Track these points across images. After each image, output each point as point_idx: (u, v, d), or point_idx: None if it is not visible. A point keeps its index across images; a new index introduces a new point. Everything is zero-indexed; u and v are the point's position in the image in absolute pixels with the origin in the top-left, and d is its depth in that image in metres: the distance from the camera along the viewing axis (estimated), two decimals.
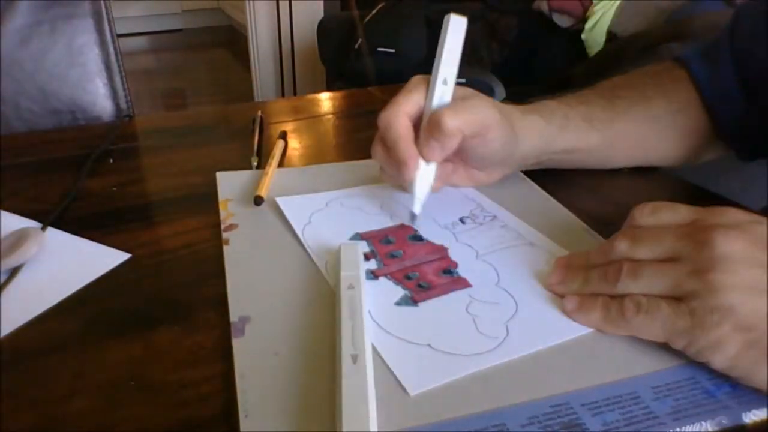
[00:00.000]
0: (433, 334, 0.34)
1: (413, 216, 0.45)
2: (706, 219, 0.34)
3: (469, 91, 0.46)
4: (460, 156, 0.47)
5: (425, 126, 0.44)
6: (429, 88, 0.45)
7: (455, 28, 0.44)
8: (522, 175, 0.52)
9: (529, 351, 0.33)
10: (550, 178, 0.51)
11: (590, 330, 0.34)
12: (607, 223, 0.45)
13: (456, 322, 0.35)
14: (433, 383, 0.31)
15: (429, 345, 0.33)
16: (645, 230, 0.35)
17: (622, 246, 0.35)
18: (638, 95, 0.52)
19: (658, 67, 0.56)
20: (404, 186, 0.47)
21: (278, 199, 0.48)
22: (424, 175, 0.44)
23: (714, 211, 0.34)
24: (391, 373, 0.32)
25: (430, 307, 0.37)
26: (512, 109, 0.48)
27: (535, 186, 0.51)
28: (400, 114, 0.44)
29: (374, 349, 0.33)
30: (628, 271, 0.34)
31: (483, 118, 0.44)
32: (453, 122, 0.42)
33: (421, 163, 0.44)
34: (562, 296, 0.37)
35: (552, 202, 0.49)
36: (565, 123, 0.49)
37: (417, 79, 0.46)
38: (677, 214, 0.35)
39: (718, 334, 0.30)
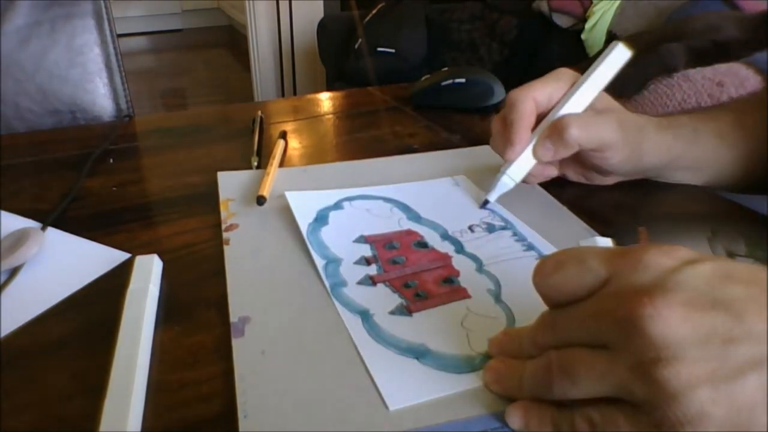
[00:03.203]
0: (424, 347, 0.33)
1: (485, 202, 0.47)
2: (620, 278, 0.26)
3: (610, 102, 0.46)
4: (577, 158, 0.47)
5: (548, 125, 0.45)
6: (569, 89, 0.46)
7: (619, 57, 0.46)
8: (538, 187, 0.50)
9: None
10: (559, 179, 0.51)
11: None
12: (607, 225, 0.46)
13: (449, 336, 0.34)
14: (415, 399, 0.30)
15: (417, 359, 0.33)
16: (559, 315, 0.28)
17: (545, 338, 0.29)
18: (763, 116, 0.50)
19: None
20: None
21: (287, 193, 0.47)
22: (522, 165, 0.46)
23: (630, 260, 0.26)
24: (374, 383, 0.31)
25: (424, 318, 0.36)
26: (645, 125, 0.47)
27: (551, 197, 0.49)
28: (529, 97, 0.45)
29: (360, 358, 0.33)
30: (559, 372, 0.27)
31: (603, 137, 0.44)
32: (576, 134, 0.43)
33: (527, 153, 0.45)
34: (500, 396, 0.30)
35: (565, 211, 0.47)
36: (695, 137, 0.48)
37: (563, 72, 0.47)
38: (585, 270, 0.27)
39: None
